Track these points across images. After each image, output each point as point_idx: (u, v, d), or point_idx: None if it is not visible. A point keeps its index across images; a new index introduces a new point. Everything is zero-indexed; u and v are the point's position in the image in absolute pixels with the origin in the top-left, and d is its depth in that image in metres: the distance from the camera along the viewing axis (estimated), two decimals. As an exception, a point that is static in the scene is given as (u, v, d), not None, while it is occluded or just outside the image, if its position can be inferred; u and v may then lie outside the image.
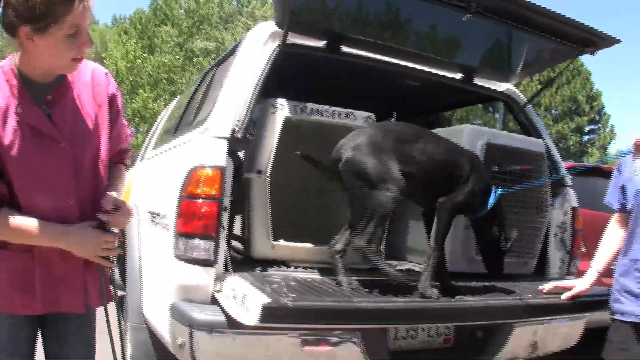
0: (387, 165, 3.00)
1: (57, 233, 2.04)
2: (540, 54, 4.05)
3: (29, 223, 1.99)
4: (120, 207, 2.17)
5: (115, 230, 2.20)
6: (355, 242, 3.04)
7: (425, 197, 3.33)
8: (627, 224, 2.91)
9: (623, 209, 2.96)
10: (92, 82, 2.20)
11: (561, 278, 4.06)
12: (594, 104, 45.64)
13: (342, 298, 2.70)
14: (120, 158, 2.41)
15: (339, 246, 3.14)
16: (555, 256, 4.12)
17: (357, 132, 3.19)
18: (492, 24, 3.51)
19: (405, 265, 3.84)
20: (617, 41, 3.69)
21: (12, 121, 1.97)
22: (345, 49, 3.80)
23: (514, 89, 4.40)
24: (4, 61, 2.06)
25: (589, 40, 3.66)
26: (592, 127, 46.85)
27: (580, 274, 4.13)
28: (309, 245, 3.46)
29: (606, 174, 7.10)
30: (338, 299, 2.67)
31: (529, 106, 4.34)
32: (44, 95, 2.06)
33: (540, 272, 4.10)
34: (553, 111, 44.74)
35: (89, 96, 2.18)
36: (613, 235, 3.05)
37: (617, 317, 2.83)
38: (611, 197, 3.05)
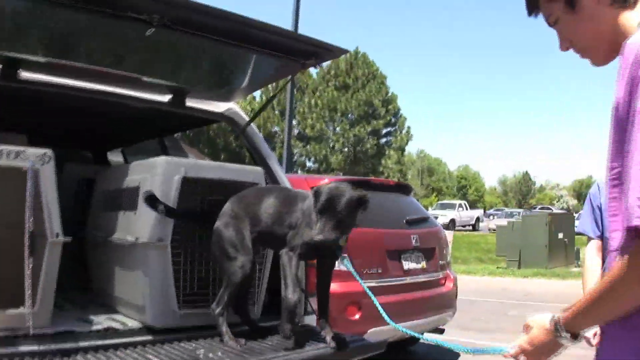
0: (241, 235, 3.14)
1: None
2: (258, 69, 3.70)
3: None
4: None
5: None
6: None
7: None
8: (604, 250, 3.21)
9: (600, 237, 3.34)
10: None
11: (299, 318, 3.72)
12: (390, 106, 47.94)
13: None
14: None
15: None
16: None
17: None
18: (197, 38, 3.17)
19: (105, 324, 3.33)
20: (345, 51, 3.51)
21: None
22: (25, 74, 3.34)
23: (236, 108, 3.99)
24: None
25: (309, 51, 3.42)
26: (388, 129, 49.16)
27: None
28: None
29: (376, 187, 7.03)
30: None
31: (252, 127, 3.93)
32: None
33: (277, 313, 3.62)
34: (350, 116, 46.34)
35: None
36: (594, 263, 3.35)
37: None
38: (586, 227, 3.43)
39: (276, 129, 36.83)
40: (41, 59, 3.31)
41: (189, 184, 3.26)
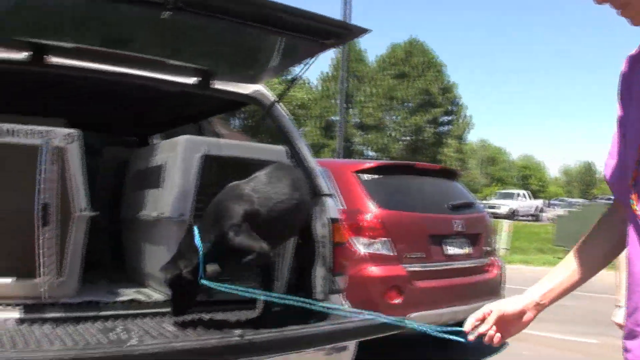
0: None
1: None
2: (279, 50, 3.64)
3: None
4: None
5: None
6: None
7: None
8: None
9: None
10: None
11: (325, 298, 3.66)
12: (448, 95, 47.40)
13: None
14: None
15: None
16: (317, 274, 3.67)
17: None
18: (214, 21, 3.17)
19: (131, 296, 3.44)
20: (364, 31, 3.41)
21: None
22: (53, 59, 3.40)
23: (263, 90, 4.01)
24: None
25: (326, 31, 3.36)
26: (447, 117, 48.61)
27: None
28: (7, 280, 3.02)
29: (420, 171, 6.96)
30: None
31: (277, 108, 3.96)
32: None
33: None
34: (408, 104, 46.00)
35: None
36: None
37: None
38: None
39: (336, 118, 36.96)
40: (68, 45, 3.36)
41: (208, 162, 3.32)
